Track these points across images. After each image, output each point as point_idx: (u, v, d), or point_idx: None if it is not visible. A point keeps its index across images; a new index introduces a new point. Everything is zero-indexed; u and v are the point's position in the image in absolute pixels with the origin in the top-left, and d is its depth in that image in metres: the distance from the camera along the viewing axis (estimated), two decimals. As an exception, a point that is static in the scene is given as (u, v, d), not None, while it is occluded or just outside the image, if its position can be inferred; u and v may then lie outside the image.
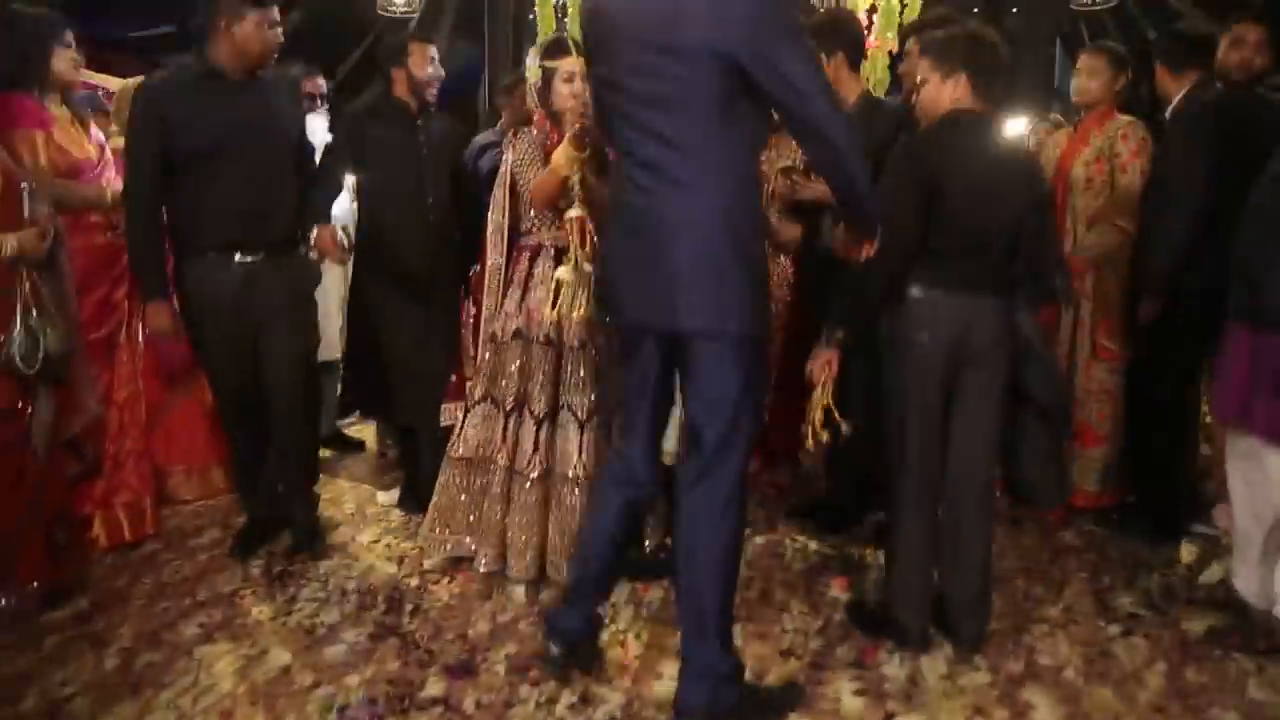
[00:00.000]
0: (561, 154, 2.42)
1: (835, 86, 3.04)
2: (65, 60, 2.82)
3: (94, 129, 3.00)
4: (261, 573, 2.78)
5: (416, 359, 3.10)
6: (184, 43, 9.27)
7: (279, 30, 2.69)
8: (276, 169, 2.71)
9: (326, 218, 2.94)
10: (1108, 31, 8.44)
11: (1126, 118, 3.24)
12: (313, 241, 2.89)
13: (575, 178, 2.43)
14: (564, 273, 2.43)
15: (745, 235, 1.92)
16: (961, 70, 2.24)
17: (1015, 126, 6.11)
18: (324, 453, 4.12)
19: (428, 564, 2.79)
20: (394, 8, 7.11)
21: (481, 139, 4.20)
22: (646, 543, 2.75)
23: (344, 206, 3.52)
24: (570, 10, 7.14)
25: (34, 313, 2.42)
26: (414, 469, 3.30)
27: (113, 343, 2.98)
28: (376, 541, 3.04)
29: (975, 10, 15.24)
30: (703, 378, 1.94)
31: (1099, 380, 3.24)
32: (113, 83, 8.36)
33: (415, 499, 3.22)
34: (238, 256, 2.66)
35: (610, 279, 2.05)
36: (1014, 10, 14.28)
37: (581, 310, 2.41)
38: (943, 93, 2.26)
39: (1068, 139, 3.41)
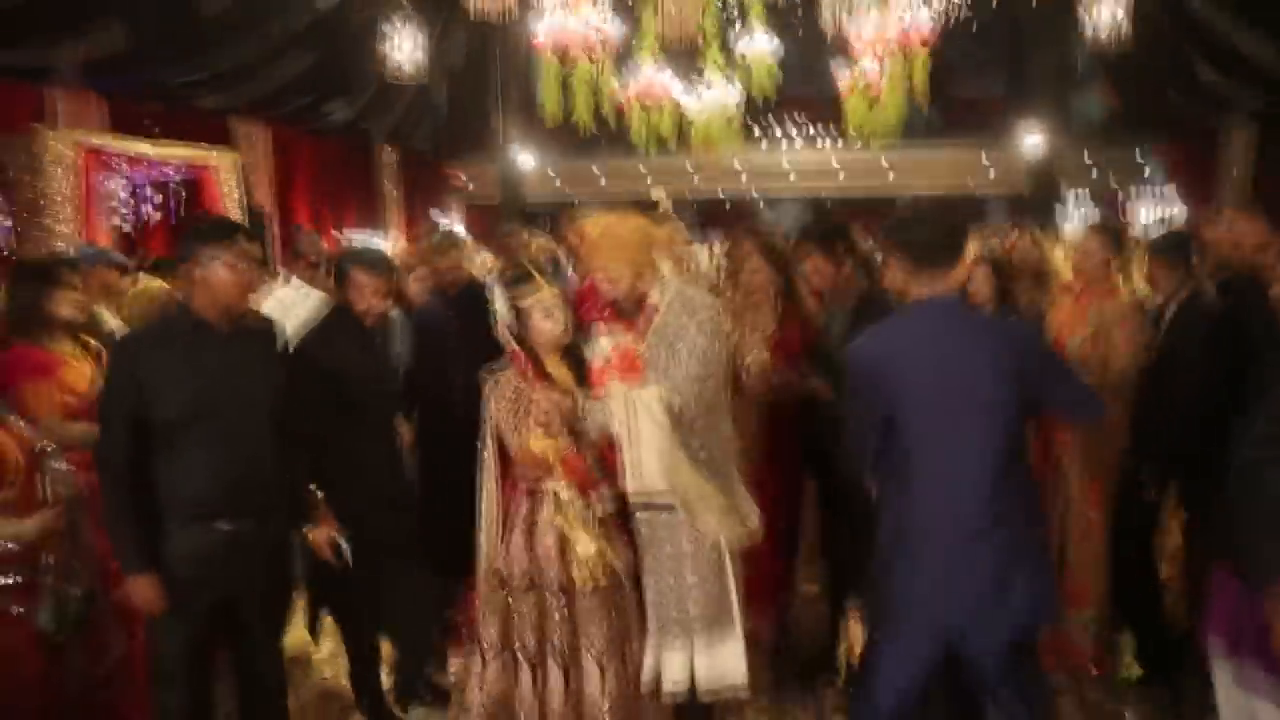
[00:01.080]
0: (538, 443, 2.44)
1: (841, 288, 3.16)
2: (67, 302, 2.91)
3: (104, 355, 3.07)
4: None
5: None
6: (215, 87, 9.26)
7: (256, 265, 2.58)
8: (259, 430, 2.58)
9: (313, 501, 2.86)
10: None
11: (1126, 300, 3.29)
12: (307, 533, 2.84)
13: (557, 456, 2.46)
14: (583, 549, 2.46)
15: (1042, 539, 2.31)
16: None
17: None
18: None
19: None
20: (400, 76, 7.09)
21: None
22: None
23: None
24: (574, 86, 7.18)
25: (59, 581, 2.54)
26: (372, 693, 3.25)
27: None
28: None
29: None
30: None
31: (1090, 549, 3.31)
32: (145, 149, 8.48)
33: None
34: (221, 524, 2.51)
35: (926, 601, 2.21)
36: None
37: (602, 580, 2.48)
38: None
39: (1071, 302, 3.45)
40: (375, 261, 3.04)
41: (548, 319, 2.53)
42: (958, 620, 2.21)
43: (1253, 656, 2.32)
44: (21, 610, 2.51)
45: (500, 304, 2.60)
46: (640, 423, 2.37)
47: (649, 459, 2.38)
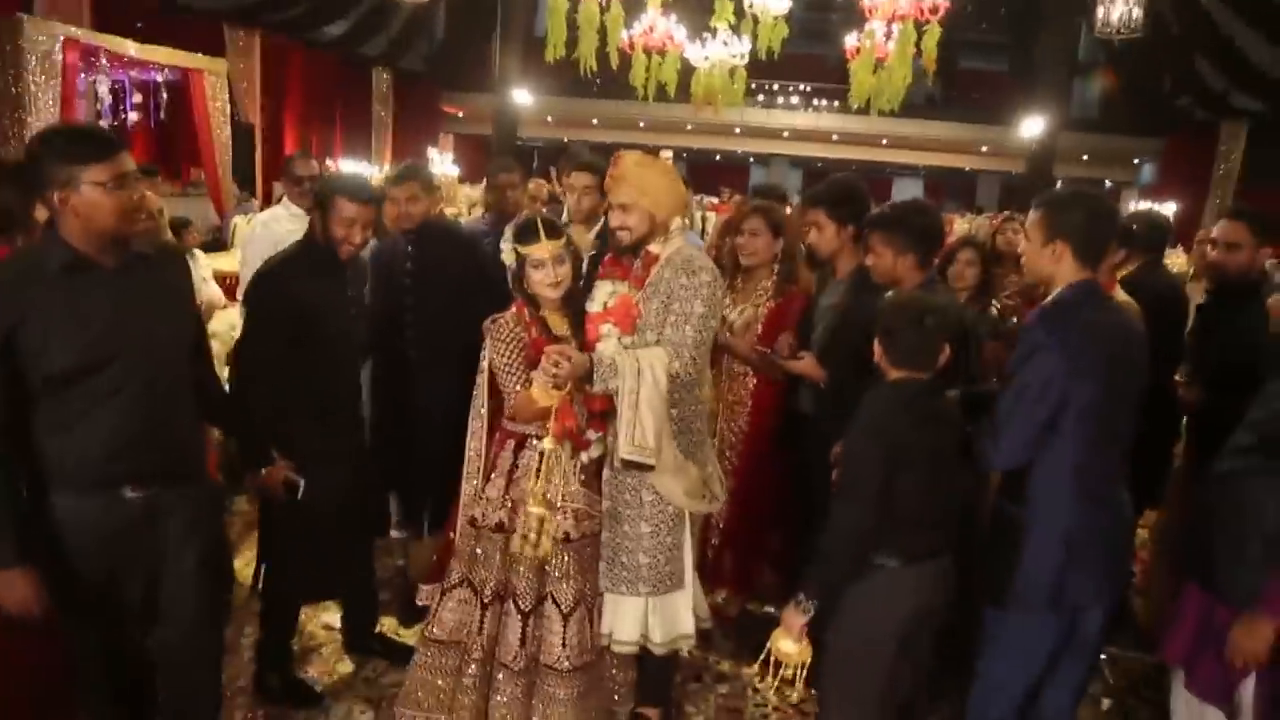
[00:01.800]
0: (539, 392, 2.42)
1: (838, 254, 3.14)
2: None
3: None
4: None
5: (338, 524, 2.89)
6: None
7: (133, 182, 2.07)
8: (168, 379, 2.19)
9: (266, 445, 2.65)
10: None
11: (1123, 296, 3.28)
12: (262, 476, 2.65)
13: (557, 405, 2.43)
14: (536, 509, 2.41)
15: None
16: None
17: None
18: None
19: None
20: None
21: (469, 228, 4.21)
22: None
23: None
24: (579, 23, 7.02)
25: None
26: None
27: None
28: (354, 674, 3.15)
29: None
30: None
31: None
32: (130, 48, 8.18)
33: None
34: (129, 491, 2.12)
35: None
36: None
37: (545, 547, 2.44)
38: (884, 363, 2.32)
39: None
40: (360, 189, 2.78)
41: (537, 270, 2.51)
42: (1107, 590, 2.33)
43: (1209, 666, 2.39)
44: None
45: (505, 250, 2.57)
46: (643, 386, 2.37)
47: (647, 422, 2.38)
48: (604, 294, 2.63)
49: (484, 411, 2.70)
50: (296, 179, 4.07)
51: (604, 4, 7.29)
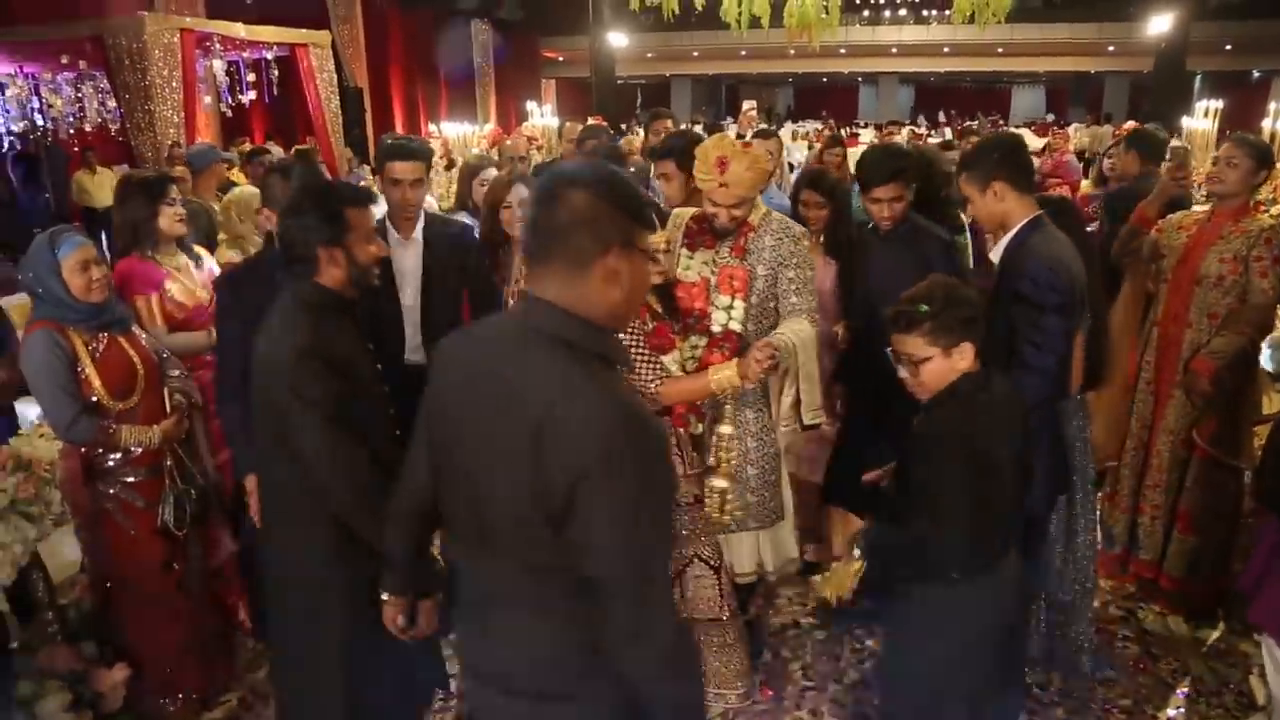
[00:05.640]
0: (726, 379, 2.38)
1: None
2: (169, 218, 3.05)
3: (206, 264, 3.25)
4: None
5: None
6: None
7: None
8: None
9: None
10: None
11: (1268, 220, 3.14)
12: None
13: (730, 391, 2.43)
14: (720, 483, 2.52)
15: None
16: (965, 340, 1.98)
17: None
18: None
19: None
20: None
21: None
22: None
23: None
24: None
25: (179, 482, 2.79)
26: None
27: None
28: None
29: None
30: None
31: (1198, 472, 3.27)
32: (240, 30, 8.57)
33: None
34: None
35: None
36: None
37: (729, 514, 2.57)
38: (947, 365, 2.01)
39: (1197, 228, 3.26)
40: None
41: (651, 263, 2.47)
42: None
43: (1273, 593, 2.33)
44: (145, 503, 2.73)
45: None
46: (810, 360, 2.56)
47: (815, 389, 2.60)
48: (699, 264, 2.66)
49: None
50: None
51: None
